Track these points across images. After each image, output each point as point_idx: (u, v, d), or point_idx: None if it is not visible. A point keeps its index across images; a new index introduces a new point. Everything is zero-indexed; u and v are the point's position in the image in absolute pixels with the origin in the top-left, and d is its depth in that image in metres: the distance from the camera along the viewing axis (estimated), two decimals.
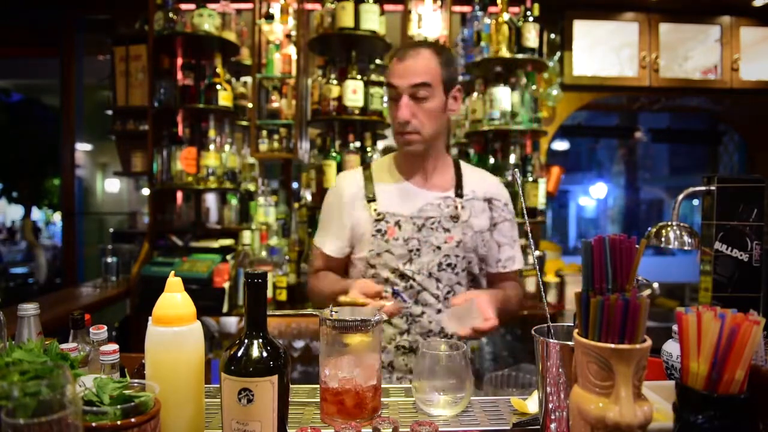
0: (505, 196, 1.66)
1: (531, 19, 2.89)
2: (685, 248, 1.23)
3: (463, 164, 1.68)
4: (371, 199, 1.59)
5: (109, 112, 3.80)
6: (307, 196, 3.14)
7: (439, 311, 1.53)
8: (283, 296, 2.93)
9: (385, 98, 2.87)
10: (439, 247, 1.54)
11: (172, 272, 0.91)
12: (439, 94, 1.49)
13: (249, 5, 3.27)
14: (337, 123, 2.96)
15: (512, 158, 2.99)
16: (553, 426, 0.87)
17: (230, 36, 3.04)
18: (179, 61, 3.11)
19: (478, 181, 1.64)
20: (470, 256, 1.57)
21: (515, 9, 3.10)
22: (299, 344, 2.63)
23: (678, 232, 1.25)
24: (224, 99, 2.97)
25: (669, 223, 1.28)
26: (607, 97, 3.84)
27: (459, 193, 1.59)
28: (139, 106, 3.58)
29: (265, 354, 0.83)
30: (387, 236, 1.55)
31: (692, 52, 3.82)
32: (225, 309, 2.86)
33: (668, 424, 0.76)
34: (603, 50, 3.71)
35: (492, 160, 2.99)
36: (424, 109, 1.49)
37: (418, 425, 0.92)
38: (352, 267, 1.64)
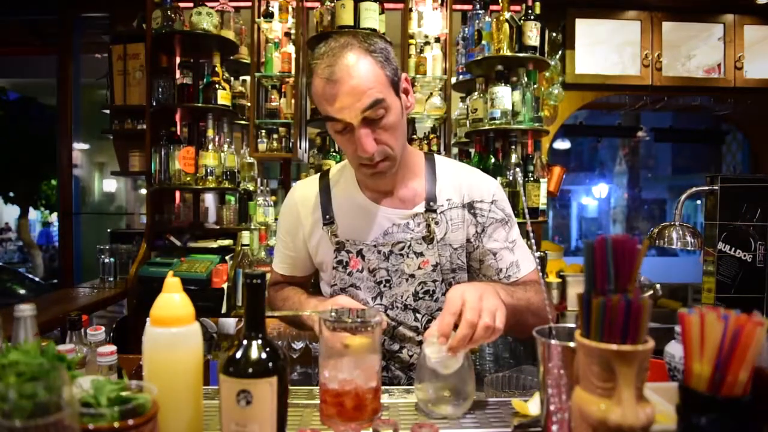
0: (491, 192, 1.35)
1: (532, 17, 2.88)
2: (688, 248, 1.23)
3: (438, 161, 1.38)
4: (329, 222, 1.34)
5: (107, 111, 3.79)
6: None
7: (420, 343, 1.31)
8: None
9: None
10: (412, 275, 1.30)
11: (171, 272, 0.90)
12: (393, 100, 1.18)
13: (248, 3, 3.26)
14: None
15: (513, 158, 2.98)
16: (554, 428, 0.86)
17: (229, 34, 3.03)
18: (177, 59, 3.10)
19: (455, 182, 1.35)
20: (450, 277, 1.33)
21: (516, 7, 3.09)
22: (298, 345, 2.62)
23: (681, 232, 1.24)
24: (223, 98, 2.96)
25: (672, 223, 1.27)
26: (609, 96, 3.82)
27: (431, 207, 1.30)
28: (137, 105, 3.57)
29: (264, 355, 0.83)
30: (350, 268, 1.32)
31: (695, 51, 3.81)
32: (224, 310, 2.86)
33: (671, 426, 0.75)
34: (605, 49, 3.69)
35: (493, 160, 2.98)
36: (385, 128, 1.17)
37: (419, 427, 0.91)
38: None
